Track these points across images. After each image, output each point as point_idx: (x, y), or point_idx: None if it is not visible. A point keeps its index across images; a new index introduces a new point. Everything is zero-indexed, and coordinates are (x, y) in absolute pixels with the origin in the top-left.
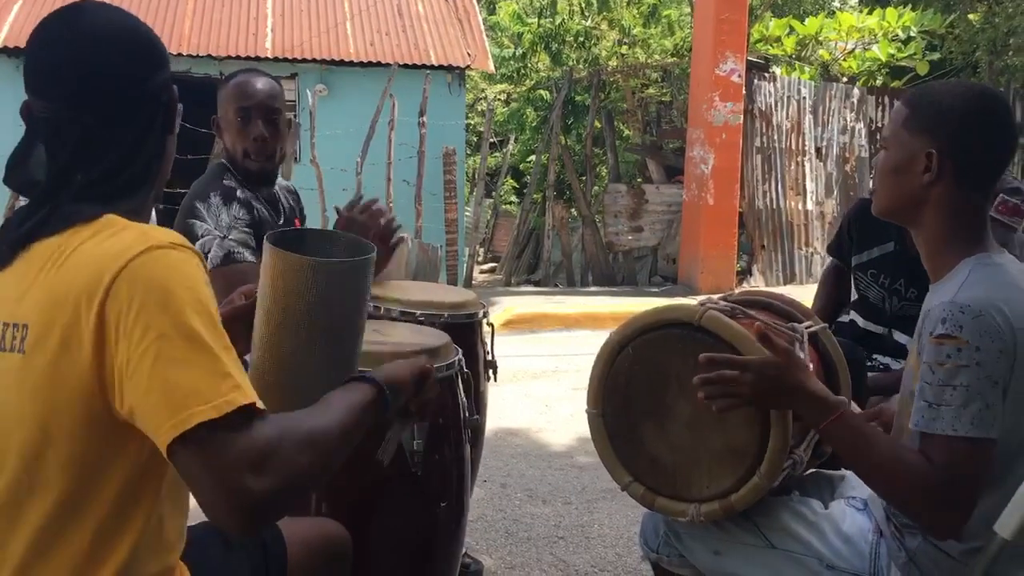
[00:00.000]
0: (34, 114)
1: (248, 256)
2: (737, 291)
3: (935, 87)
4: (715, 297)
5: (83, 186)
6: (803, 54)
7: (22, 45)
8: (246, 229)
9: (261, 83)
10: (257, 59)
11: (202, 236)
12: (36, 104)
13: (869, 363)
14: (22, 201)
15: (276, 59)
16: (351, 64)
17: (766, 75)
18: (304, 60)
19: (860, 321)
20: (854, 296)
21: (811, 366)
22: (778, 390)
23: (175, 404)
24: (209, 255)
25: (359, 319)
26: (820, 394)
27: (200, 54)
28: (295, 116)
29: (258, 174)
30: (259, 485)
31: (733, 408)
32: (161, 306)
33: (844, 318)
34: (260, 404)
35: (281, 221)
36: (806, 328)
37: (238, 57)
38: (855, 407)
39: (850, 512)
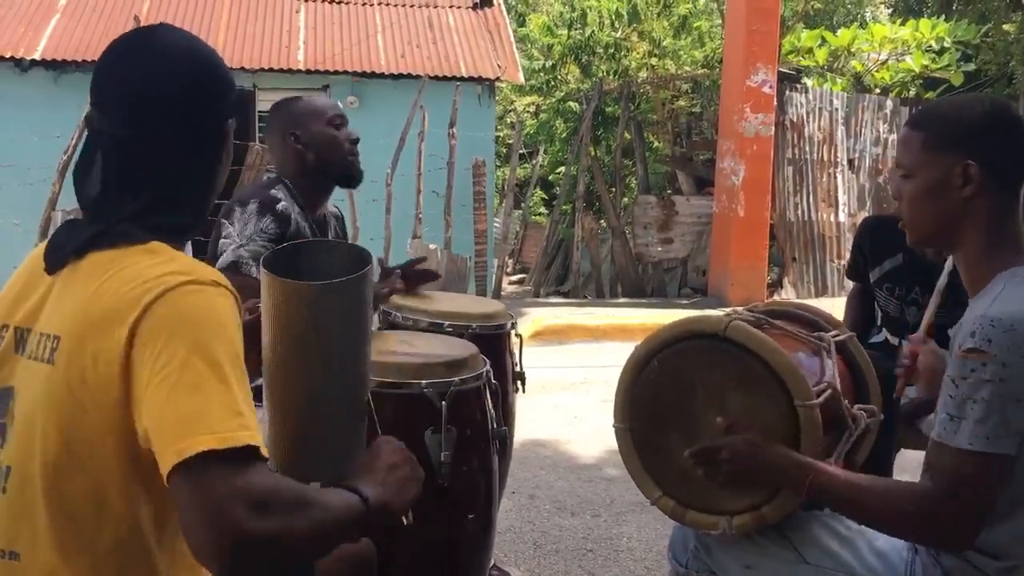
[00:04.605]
0: (93, 125)
1: (254, 270)
2: (770, 301)
3: (939, 105)
4: (741, 308)
5: (132, 207)
6: (835, 65)
7: (59, 58)
8: (265, 244)
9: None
10: (289, 71)
11: (224, 237)
12: (95, 115)
13: None
14: (58, 213)
15: (308, 71)
16: (382, 76)
17: (798, 86)
18: (335, 72)
19: (890, 338)
20: (880, 316)
21: (839, 380)
22: (755, 464)
23: (183, 429)
24: (220, 258)
25: (364, 325)
26: (794, 458)
27: (233, 67)
28: None
29: (352, 174)
30: (252, 525)
31: (727, 482)
32: (190, 336)
33: (877, 338)
34: (264, 451)
35: None
36: (833, 337)
37: (271, 69)
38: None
39: None
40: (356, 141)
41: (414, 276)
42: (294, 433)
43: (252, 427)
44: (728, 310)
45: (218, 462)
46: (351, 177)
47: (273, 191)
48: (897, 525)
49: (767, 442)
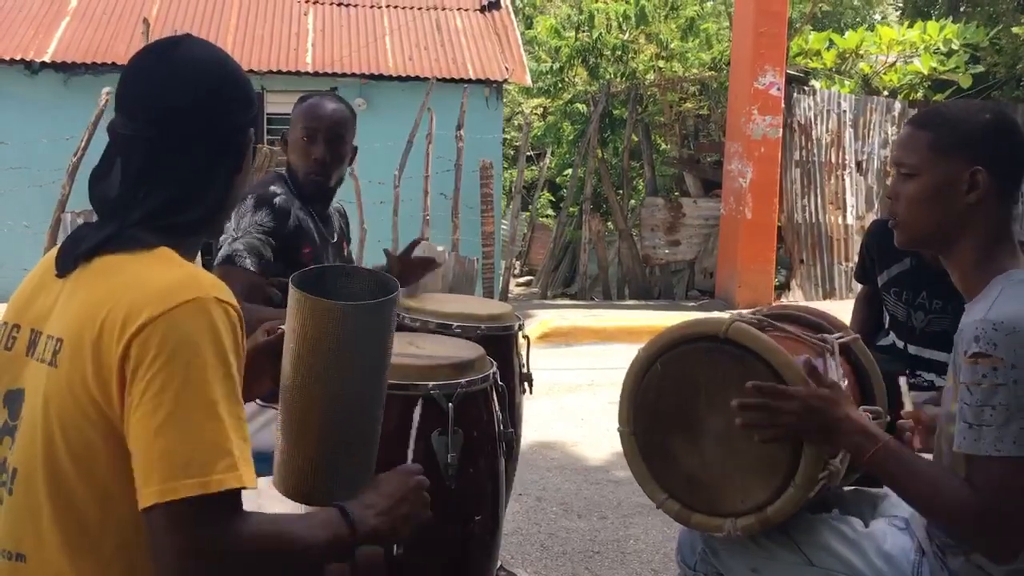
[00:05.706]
0: (116, 130)
1: (248, 262)
2: (773, 305)
3: (947, 107)
4: (744, 311)
5: (147, 213)
6: (843, 67)
7: (69, 61)
8: (260, 236)
9: (332, 107)
10: (298, 74)
11: (222, 233)
12: (118, 120)
13: (912, 379)
14: (68, 215)
15: (316, 73)
16: (390, 78)
17: (805, 88)
18: (344, 74)
19: (897, 341)
20: (887, 319)
21: (845, 381)
22: (823, 422)
23: (170, 469)
24: (219, 253)
25: (387, 353)
26: (864, 426)
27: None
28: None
29: (312, 194)
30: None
31: (775, 439)
32: (188, 364)
33: (886, 341)
34: (250, 483)
35: (334, 241)
36: (836, 339)
37: (279, 72)
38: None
39: (891, 531)
40: (319, 162)
41: (415, 264)
42: (307, 455)
43: (239, 463)
44: (732, 313)
45: (199, 509)
46: (306, 196)
47: (272, 187)
48: (951, 529)
49: (846, 398)
